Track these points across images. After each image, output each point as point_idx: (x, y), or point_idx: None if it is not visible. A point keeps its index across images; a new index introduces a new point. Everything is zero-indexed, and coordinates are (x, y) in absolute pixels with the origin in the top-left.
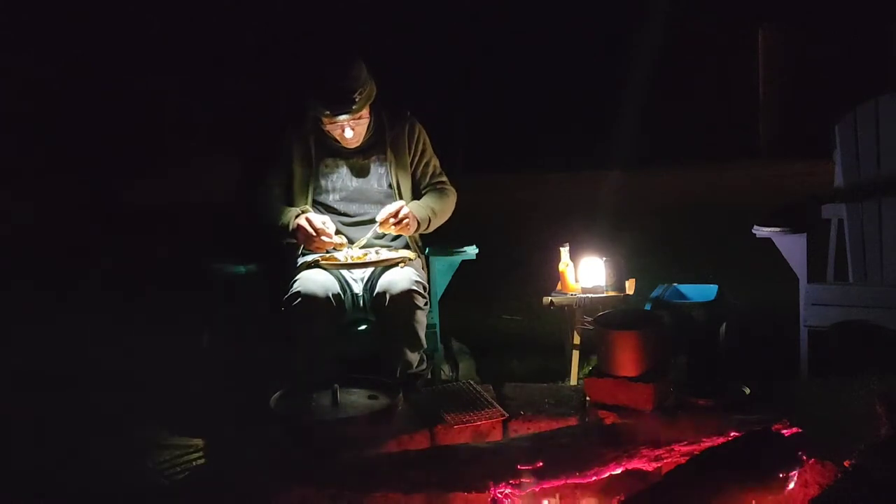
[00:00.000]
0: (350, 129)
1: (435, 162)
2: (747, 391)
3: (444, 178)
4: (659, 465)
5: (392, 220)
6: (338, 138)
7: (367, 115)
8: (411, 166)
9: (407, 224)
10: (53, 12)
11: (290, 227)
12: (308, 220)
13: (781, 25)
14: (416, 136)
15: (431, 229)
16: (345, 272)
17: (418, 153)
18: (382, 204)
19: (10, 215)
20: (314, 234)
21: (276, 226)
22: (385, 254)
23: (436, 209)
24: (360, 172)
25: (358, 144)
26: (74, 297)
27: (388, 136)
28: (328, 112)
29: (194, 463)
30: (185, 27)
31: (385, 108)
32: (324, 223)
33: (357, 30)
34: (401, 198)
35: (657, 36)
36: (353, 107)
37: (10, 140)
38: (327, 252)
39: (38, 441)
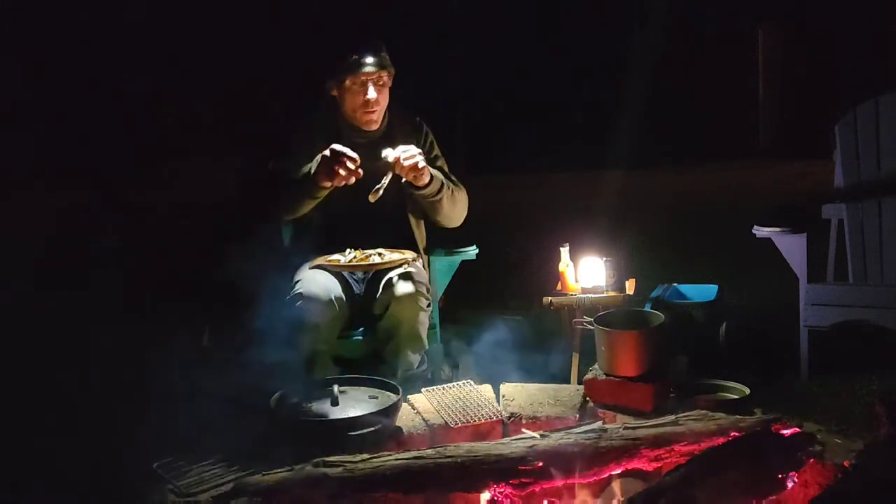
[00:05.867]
0: (373, 90)
1: (444, 162)
2: (747, 391)
3: (454, 179)
4: (659, 465)
5: (405, 159)
6: (358, 112)
7: (387, 89)
8: None
9: (421, 167)
10: (54, 13)
11: (314, 165)
12: (331, 148)
13: (781, 25)
14: (422, 135)
15: (449, 217)
16: (346, 273)
17: (425, 150)
18: (385, 207)
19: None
20: (338, 156)
21: (299, 183)
22: (387, 255)
23: (452, 190)
24: (368, 172)
25: (377, 127)
26: (74, 298)
27: (396, 138)
28: (356, 57)
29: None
30: (185, 26)
31: (396, 111)
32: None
33: (362, 26)
34: (403, 204)
35: (656, 35)
36: (381, 56)
37: (10, 141)
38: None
39: (34, 438)
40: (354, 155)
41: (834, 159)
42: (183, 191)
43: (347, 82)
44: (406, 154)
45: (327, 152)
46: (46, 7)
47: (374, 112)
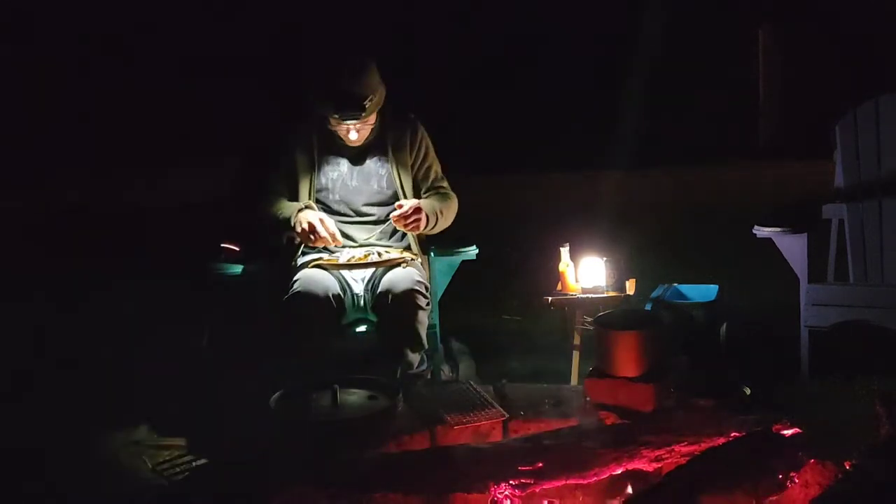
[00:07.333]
0: (355, 132)
1: (437, 166)
2: (747, 391)
3: (446, 183)
4: (659, 465)
5: (404, 220)
6: (342, 136)
7: (374, 119)
8: (413, 168)
9: (417, 222)
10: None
11: (292, 223)
12: (307, 219)
13: (781, 25)
14: (418, 138)
15: (436, 231)
16: (345, 272)
17: (420, 156)
18: (381, 204)
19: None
20: (310, 232)
21: (278, 220)
22: (386, 254)
23: (440, 210)
24: (361, 172)
25: (360, 143)
26: (73, 298)
27: (389, 138)
28: (337, 115)
29: (193, 463)
30: (190, 29)
31: (389, 110)
32: (321, 220)
33: (359, 29)
34: (404, 197)
35: (656, 35)
36: (363, 113)
37: (11, 142)
38: (324, 249)
39: (32, 439)
40: (333, 241)
41: (834, 159)
42: (182, 191)
43: (331, 119)
44: (404, 223)
45: (306, 225)
46: (46, 6)
47: (355, 141)
